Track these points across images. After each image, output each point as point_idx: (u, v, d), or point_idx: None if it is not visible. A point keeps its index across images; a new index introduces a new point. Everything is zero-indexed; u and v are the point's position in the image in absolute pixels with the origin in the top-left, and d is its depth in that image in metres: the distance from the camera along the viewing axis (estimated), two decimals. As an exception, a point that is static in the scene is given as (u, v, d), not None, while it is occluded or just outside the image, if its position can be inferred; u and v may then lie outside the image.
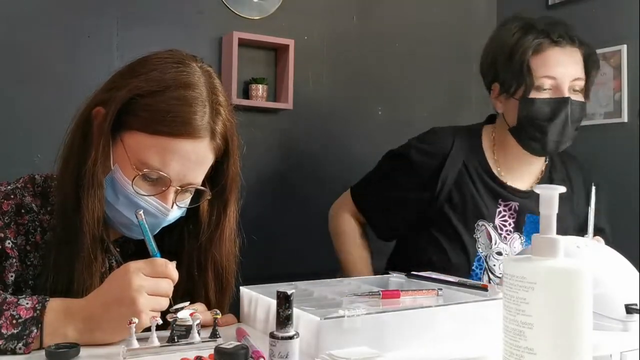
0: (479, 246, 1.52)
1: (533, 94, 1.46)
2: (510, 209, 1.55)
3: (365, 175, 1.77)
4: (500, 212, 1.55)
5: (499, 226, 1.54)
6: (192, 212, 1.06)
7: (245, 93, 2.27)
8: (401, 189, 1.61)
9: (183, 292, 1.04)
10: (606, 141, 2.33)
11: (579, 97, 1.48)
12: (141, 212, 0.92)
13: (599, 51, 2.35)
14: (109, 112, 0.94)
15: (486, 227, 1.52)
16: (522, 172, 1.59)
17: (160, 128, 0.93)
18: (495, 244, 1.51)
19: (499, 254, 1.51)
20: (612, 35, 2.32)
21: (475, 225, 1.53)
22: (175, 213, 1.00)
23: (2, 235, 0.95)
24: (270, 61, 2.35)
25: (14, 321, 0.81)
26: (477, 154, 1.59)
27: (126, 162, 0.95)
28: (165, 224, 1.01)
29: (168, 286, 0.87)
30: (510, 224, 1.54)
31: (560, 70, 1.45)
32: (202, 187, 1.02)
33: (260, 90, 2.24)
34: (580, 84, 1.48)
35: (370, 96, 2.56)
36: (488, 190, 1.55)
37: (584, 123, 2.42)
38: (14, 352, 0.80)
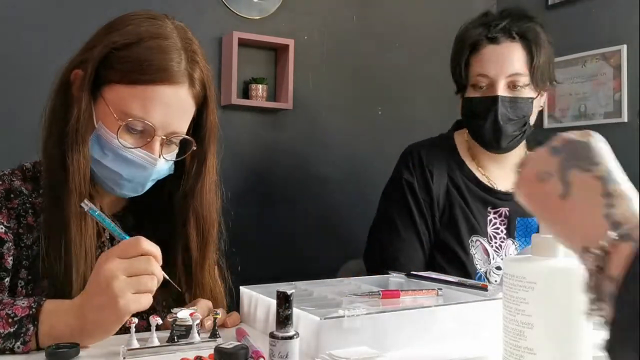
0: (476, 262, 1.47)
1: (471, 92, 1.48)
2: (500, 216, 1.52)
3: (374, 237, 1.61)
4: (491, 220, 1.51)
5: (492, 235, 1.50)
6: (177, 168, 1.06)
7: (245, 93, 2.27)
8: (415, 215, 1.52)
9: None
10: (606, 141, 2.32)
11: (521, 94, 1.45)
12: (86, 200, 0.90)
13: (598, 51, 2.37)
14: (87, 69, 0.96)
15: (481, 243, 1.48)
16: (501, 169, 1.56)
17: (138, 77, 0.94)
18: (493, 258, 1.47)
19: (499, 268, 1.46)
20: (612, 35, 2.32)
21: (470, 241, 1.49)
22: (162, 165, 1.00)
23: None
24: (270, 61, 2.35)
25: (10, 320, 0.81)
26: (458, 163, 1.56)
27: (109, 116, 0.96)
28: (154, 176, 1.01)
29: (146, 264, 0.82)
30: (502, 231, 1.51)
31: (493, 68, 1.44)
32: (188, 137, 1.02)
33: (260, 90, 2.25)
34: (522, 79, 1.44)
35: (370, 96, 2.56)
36: (477, 200, 1.52)
37: (584, 123, 2.44)
38: (12, 351, 0.80)
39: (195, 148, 1.03)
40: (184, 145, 1.03)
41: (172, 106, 0.96)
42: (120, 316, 0.80)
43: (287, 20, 2.37)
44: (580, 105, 2.42)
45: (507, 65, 1.44)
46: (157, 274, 0.83)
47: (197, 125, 1.05)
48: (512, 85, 1.45)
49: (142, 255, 0.83)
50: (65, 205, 0.95)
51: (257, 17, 2.32)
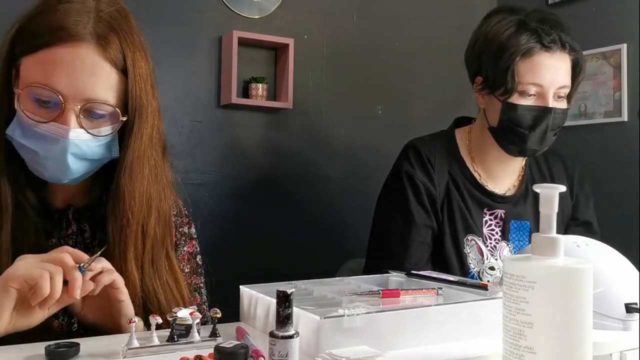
0: (470, 262, 1.47)
1: (517, 98, 1.42)
2: (496, 217, 1.52)
3: (377, 241, 1.58)
4: (486, 221, 1.51)
5: (487, 236, 1.50)
6: None
7: (245, 92, 2.27)
8: (419, 212, 1.50)
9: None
10: (606, 140, 2.33)
11: (562, 104, 1.45)
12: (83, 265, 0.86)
13: (598, 50, 2.37)
14: (2, 56, 0.92)
15: (476, 242, 1.48)
16: (502, 171, 1.56)
17: (36, 42, 0.89)
18: (487, 259, 1.47)
19: (492, 269, 1.46)
20: (612, 35, 2.32)
21: (465, 240, 1.48)
22: (82, 137, 0.91)
23: None
24: (270, 60, 2.35)
25: None
26: (458, 161, 1.55)
27: (20, 94, 0.91)
28: (75, 151, 0.92)
29: (58, 253, 0.83)
30: (497, 233, 1.51)
31: (547, 77, 1.41)
32: (110, 105, 0.92)
33: (260, 89, 2.25)
34: (566, 91, 1.45)
35: (370, 95, 2.57)
36: (474, 200, 1.52)
37: (584, 122, 2.45)
38: None
39: (123, 120, 0.95)
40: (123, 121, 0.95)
41: (76, 68, 0.88)
42: (6, 279, 0.80)
43: (287, 20, 2.37)
44: (580, 105, 2.42)
45: (559, 76, 1.42)
46: (67, 262, 0.83)
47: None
48: (557, 96, 1.44)
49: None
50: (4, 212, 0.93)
51: (257, 16, 2.32)
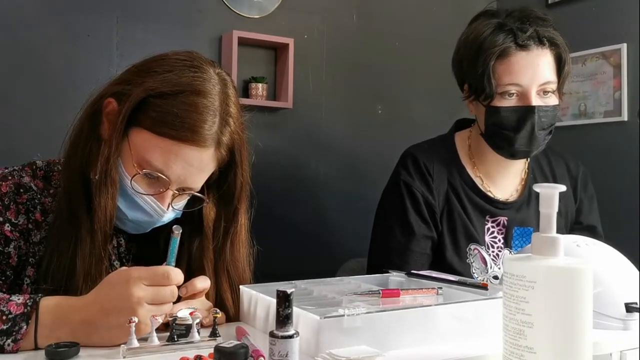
0: (473, 271, 1.44)
1: (499, 100, 1.39)
2: (498, 225, 1.48)
3: (376, 247, 1.56)
4: (489, 229, 1.48)
5: (489, 244, 1.47)
6: (191, 218, 1.06)
7: (245, 92, 2.27)
8: (418, 223, 1.47)
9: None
10: (606, 140, 2.33)
11: (550, 100, 1.40)
12: (177, 227, 0.92)
13: (598, 50, 2.37)
14: (122, 108, 0.95)
15: (479, 251, 1.45)
16: (503, 175, 1.52)
17: (167, 131, 0.93)
18: (490, 268, 1.44)
19: (496, 278, 1.43)
20: (612, 34, 2.32)
21: (467, 249, 1.45)
22: (169, 215, 1.00)
23: (2, 219, 0.95)
24: (270, 60, 2.35)
25: (4, 317, 0.80)
26: (457, 168, 1.51)
27: (129, 158, 0.95)
28: (158, 225, 1.02)
29: (170, 293, 0.86)
30: (499, 240, 1.47)
31: (525, 77, 1.37)
32: (199, 194, 1.02)
33: (260, 89, 2.25)
34: (552, 86, 1.40)
35: (369, 95, 2.57)
36: (475, 208, 1.48)
37: (584, 122, 2.45)
38: (2, 349, 0.79)
39: (206, 204, 1.05)
40: (195, 197, 1.03)
41: (193, 166, 0.96)
42: (136, 333, 0.82)
43: (287, 19, 2.37)
44: (580, 104, 2.42)
45: (539, 73, 1.38)
46: (172, 302, 0.88)
47: (221, 183, 1.06)
48: (542, 92, 1.39)
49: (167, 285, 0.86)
50: (81, 242, 0.95)
51: (257, 16, 2.32)
